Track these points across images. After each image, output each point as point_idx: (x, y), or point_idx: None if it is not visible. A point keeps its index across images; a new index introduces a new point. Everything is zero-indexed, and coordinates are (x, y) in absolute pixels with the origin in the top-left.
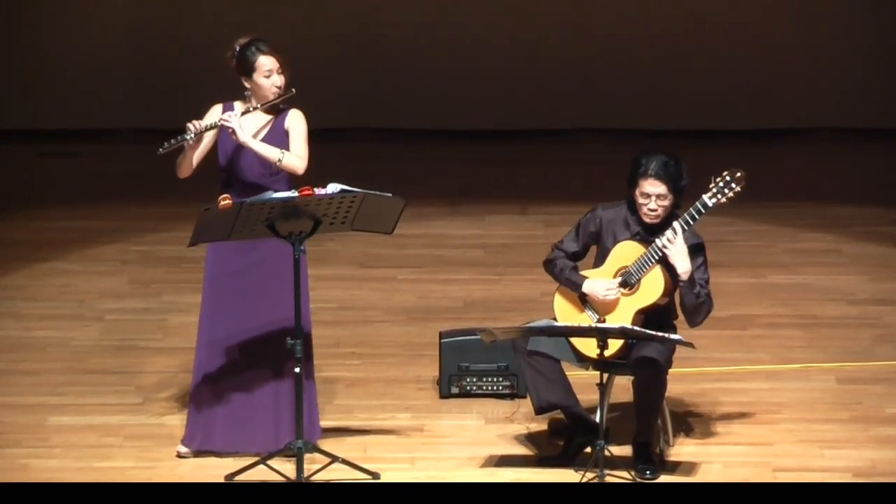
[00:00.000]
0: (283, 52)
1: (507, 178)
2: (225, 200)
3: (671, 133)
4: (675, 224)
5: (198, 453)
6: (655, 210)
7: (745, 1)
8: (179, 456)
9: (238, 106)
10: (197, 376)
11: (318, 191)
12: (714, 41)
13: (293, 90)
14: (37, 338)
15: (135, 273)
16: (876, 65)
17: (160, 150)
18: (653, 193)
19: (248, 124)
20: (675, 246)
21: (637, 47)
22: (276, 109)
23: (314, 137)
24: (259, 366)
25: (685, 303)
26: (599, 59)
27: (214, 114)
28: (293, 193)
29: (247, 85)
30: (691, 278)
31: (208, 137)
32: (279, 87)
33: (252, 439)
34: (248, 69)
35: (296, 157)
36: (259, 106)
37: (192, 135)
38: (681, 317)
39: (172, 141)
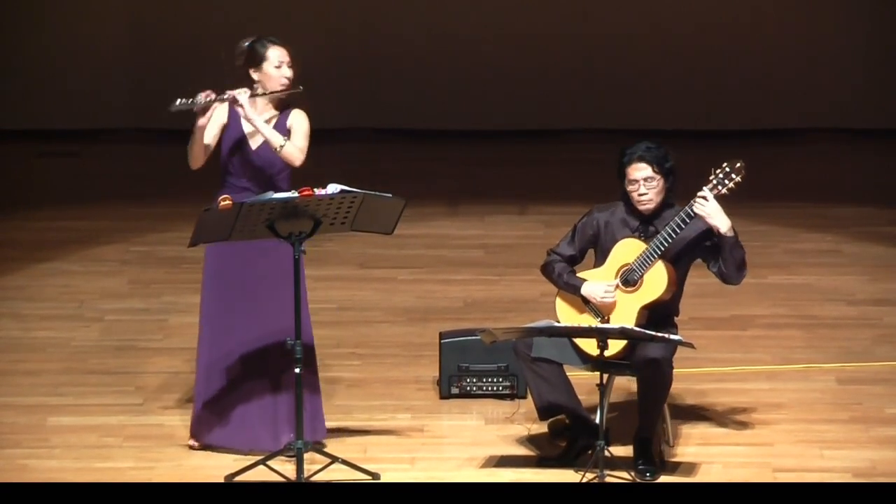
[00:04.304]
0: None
1: (507, 178)
2: (225, 201)
3: (671, 133)
4: (704, 189)
5: (204, 447)
6: (646, 194)
7: (745, 1)
8: (191, 448)
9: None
10: (199, 375)
11: (318, 191)
12: (714, 42)
13: (300, 87)
14: (37, 338)
15: (135, 273)
16: (875, 65)
17: (171, 107)
18: (639, 178)
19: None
20: (710, 205)
21: (637, 48)
22: (281, 107)
23: (314, 137)
24: (259, 366)
25: (735, 258)
26: (600, 59)
27: (223, 107)
28: (293, 194)
29: (255, 77)
30: (734, 232)
31: (215, 131)
32: (288, 79)
33: (250, 438)
34: (259, 60)
35: (296, 149)
36: (266, 93)
37: (203, 99)
38: (681, 316)
39: (184, 100)
